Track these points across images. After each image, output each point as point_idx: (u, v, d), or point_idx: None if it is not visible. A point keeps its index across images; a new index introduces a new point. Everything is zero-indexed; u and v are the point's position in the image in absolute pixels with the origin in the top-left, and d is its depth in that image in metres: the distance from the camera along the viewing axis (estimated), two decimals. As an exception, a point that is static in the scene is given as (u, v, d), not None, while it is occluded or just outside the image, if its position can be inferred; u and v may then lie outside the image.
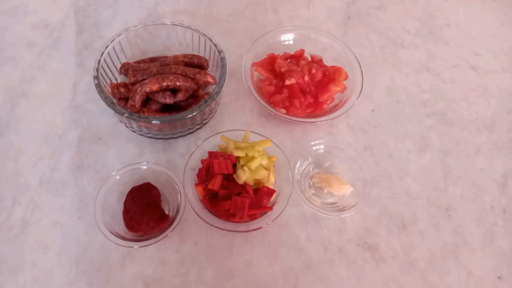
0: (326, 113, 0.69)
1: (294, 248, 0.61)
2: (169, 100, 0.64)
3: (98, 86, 0.61)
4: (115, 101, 0.66)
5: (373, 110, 0.76)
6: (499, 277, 0.61)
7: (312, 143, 0.67)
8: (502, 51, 0.87)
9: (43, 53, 0.76)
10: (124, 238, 0.56)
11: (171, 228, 0.56)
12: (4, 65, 0.74)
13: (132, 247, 0.57)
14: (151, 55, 0.74)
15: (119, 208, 0.59)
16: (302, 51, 0.73)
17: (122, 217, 0.59)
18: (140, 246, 0.56)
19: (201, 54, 0.73)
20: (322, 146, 0.67)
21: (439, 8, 0.93)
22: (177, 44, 0.74)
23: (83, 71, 0.75)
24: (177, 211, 0.58)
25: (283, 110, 0.68)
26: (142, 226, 0.57)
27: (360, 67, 0.72)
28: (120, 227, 0.58)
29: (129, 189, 0.60)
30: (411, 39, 0.87)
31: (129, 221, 0.58)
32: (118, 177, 0.60)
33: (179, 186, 0.59)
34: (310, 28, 0.78)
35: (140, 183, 0.61)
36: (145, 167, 0.61)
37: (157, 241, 0.55)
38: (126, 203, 0.59)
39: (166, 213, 0.60)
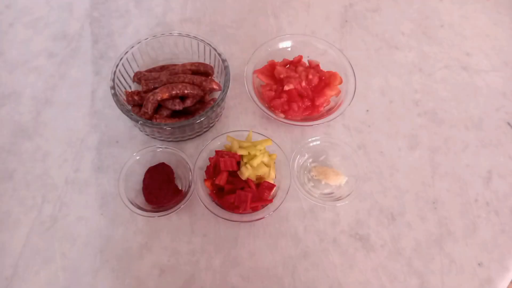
0: (322, 115, 0.75)
1: (292, 238, 0.68)
2: (178, 106, 0.71)
3: (115, 95, 0.68)
4: (130, 108, 0.73)
5: (367, 110, 0.81)
6: (479, 264, 0.67)
7: (309, 139, 0.73)
8: (494, 50, 0.91)
9: (63, 63, 0.83)
10: (145, 210, 0.65)
11: (184, 201, 0.65)
12: (29, 75, 0.81)
13: (153, 217, 0.66)
14: (161, 62, 0.80)
15: (139, 185, 0.69)
16: (300, 57, 0.78)
17: (142, 192, 0.68)
18: (159, 216, 0.65)
19: (207, 61, 0.79)
20: (318, 142, 0.73)
21: (434, 9, 0.97)
22: (184, 52, 0.80)
23: (100, 79, 0.81)
24: (189, 187, 0.67)
25: (282, 115, 0.75)
26: (160, 200, 0.66)
27: (354, 72, 0.77)
28: (141, 201, 0.68)
29: (147, 169, 0.69)
30: (406, 40, 0.92)
31: (148, 195, 0.67)
32: (138, 157, 0.69)
33: (190, 164, 0.68)
34: (307, 36, 0.84)
35: (156, 163, 0.70)
36: (160, 149, 0.70)
37: (173, 211, 0.64)
38: (145, 180, 0.68)
39: (180, 188, 0.69)
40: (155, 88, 0.72)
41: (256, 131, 0.73)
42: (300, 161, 0.72)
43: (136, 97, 0.72)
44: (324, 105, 0.76)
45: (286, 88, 0.74)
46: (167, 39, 0.77)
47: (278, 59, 0.80)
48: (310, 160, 0.74)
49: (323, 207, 0.70)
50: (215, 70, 0.78)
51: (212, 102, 0.73)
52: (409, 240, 0.68)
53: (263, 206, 0.67)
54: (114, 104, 0.68)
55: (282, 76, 0.75)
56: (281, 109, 0.74)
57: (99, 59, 0.84)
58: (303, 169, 0.73)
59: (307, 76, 0.75)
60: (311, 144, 0.73)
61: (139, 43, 0.75)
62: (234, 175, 0.67)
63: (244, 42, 0.88)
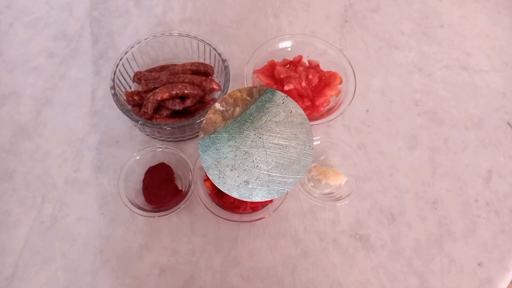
0: (322, 115, 0.75)
1: (292, 238, 0.68)
2: (178, 107, 0.71)
3: (115, 95, 0.68)
4: (130, 108, 0.73)
5: (367, 110, 0.81)
6: (479, 264, 0.67)
7: None
8: (493, 50, 0.91)
9: (63, 63, 0.83)
10: (145, 210, 0.65)
11: (184, 201, 0.65)
12: (29, 75, 0.81)
13: (153, 217, 0.66)
14: (161, 62, 0.80)
15: (139, 185, 0.69)
16: (300, 57, 0.78)
17: (142, 192, 0.68)
18: (159, 216, 0.65)
19: (207, 61, 0.79)
20: (318, 142, 0.73)
21: (434, 9, 0.97)
22: (184, 52, 0.80)
23: (100, 79, 0.81)
24: (189, 186, 0.67)
25: (282, 115, 0.75)
26: (160, 200, 0.66)
27: (354, 72, 0.77)
28: (141, 201, 0.68)
29: (147, 169, 0.69)
30: (406, 40, 0.92)
31: (148, 195, 0.67)
32: (138, 157, 0.69)
33: (190, 164, 0.68)
34: (307, 36, 0.84)
35: (156, 163, 0.70)
36: (160, 149, 0.70)
37: (173, 211, 0.65)
38: (144, 180, 0.68)
39: (180, 188, 0.69)
40: (155, 88, 0.72)
41: (256, 131, 0.73)
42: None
43: (136, 97, 0.72)
44: (324, 105, 0.76)
45: (286, 88, 0.73)
46: (167, 39, 0.77)
47: (278, 59, 0.80)
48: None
49: (323, 207, 0.70)
50: (215, 70, 0.78)
51: (212, 102, 0.73)
52: (409, 240, 0.68)
53: (263, 206, 0.67)
54: (114, 104, 0.68)
55: (282, 76, 0.75)
56: (281, 109, 0.74)
57: (99, 59, 0.84)
58: (303, 169, 0.73)
59: (307, 76, 0.75)
60: (311, 144, 0.73)
61: (139, 43, 0.74)
62: (234, 175, 0.67)
63: (244, 42, 0.88)
